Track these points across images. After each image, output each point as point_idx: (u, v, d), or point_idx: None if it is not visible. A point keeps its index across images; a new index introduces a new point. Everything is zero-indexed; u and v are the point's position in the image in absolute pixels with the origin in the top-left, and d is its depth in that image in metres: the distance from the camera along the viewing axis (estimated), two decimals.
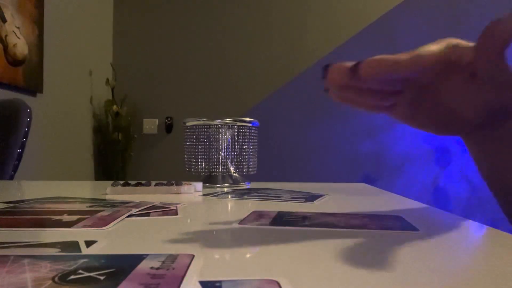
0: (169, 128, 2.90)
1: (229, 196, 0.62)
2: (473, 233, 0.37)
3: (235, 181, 0.79)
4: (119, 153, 2.72)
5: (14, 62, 1.89)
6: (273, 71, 2.82)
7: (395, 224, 0.38)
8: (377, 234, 0.34)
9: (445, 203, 2.70)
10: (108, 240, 0.30)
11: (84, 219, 0.37)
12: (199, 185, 0.67)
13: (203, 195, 0.63)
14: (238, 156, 0.80)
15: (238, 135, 0.80)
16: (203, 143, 0.79)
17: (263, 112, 2.76)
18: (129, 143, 2.77)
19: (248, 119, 0.81)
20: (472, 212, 2.59)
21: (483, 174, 0.45)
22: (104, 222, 0.36)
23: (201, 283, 0.20)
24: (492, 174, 0.45)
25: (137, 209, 0.43)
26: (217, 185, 0.77)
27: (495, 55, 0.33)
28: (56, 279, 0.20)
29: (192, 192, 0.65)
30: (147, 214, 0.42)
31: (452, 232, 0.38)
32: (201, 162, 0.79)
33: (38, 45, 2.06)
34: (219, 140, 0.79)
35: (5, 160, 1.29)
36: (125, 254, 0.26)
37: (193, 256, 0.24)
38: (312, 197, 0.59)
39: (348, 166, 2.75)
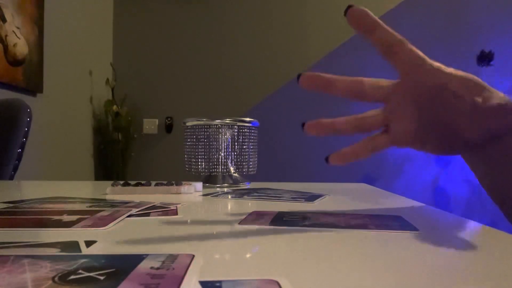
0: (169, 128, 2.90)
1: (229, 196, 0.62)
2: (473, 233, 0.37)
3: (235, 181, 0.79)
4: (119, 153, 2.72)
5: (14, 62, 1.89)
6: (273, 71, 2.82)
7: (395, 224, 0.38)
8: (377, 234, 0.34)
9: (445, 203, 2.69)
10: (108, 240, 0.30)
11: (84, 219, 0.37)
12: (199, 185, 0.67)
13: (203, 195, 0.63)
14: (238, 156, 0.80)
15: (238, 135, 0.80)
16: (203, 143, 0.79)
17: (263, 112, 2.76)
18: (129, 143, 2.77)
19: (248, 119, 0.81)
20: (472, 212, 2.59)
21: (486, 188, 0.47)
22: (104, 222, 0.36)
23: (201, 283, 0.20)
24: (494, 188, 0.46)
25: (137, 209, 0.43)
26: (217, 185, 0.77)
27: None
28: (56, 279, 0.20)
29: (192, 192, 0.65)
30: (147, 214, 0.42)
31: (452, 232, 0.38)
32: (201, 162, 0.79)
33: (38, 45, 2.06)
34: (219, 140, 0.79)
35: (5, 160, 1.29)
36: (125, 254, 0.26)
37: (193, 256, 0.24)
38: (312, 197, 0.59)
39: (348, 166, 2.75)
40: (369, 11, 0.39)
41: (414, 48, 0.40)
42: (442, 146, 0.43)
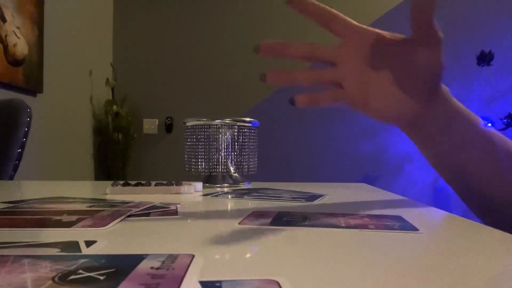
0: (169, 128, 2.90)
1: (229, 196, 0.62)
2: (473, 233, 0.37)
3: (235, 181, 0.79)
4: (119, 153, 2.72)
5: (14, 62, 1.89)
6: None
7: (395, 224, 0.38)
8: (377, 234, 0.34)
9: (445, 203, 2.69)
10: (108, 240, 0.30)
11: (84, 219, 0.37)
12: (199, 185, 0.67)
13: (203, 195, 0.63)
14: (238, 156, 0.80)
15: (238, 135, 0.80)
16: (203, 143, 0.79)
17: (263, 112, 2.76)
18: (129, 143, 2.77)
19: (248, 119, 0.81)
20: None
21: (433, 164, 0.52)
22: (104, 222, 0.36)
23: (201, 283, 0.20)
24: (439, 161, 0.52)
25: (137, 209, 0.43)
26: (217, 185, 0.77)
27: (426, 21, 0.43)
28: (56, 279, 0.20)
29: (192, 192, 0.65)
30: (147, 214, 0.42)
31: (452, 232, 0.38)
32: (201, 162, 0.79)
33: (38, 45, 2.06)
34: (219, 140, 0.79)
35: (5, 160, 1.29)
36: (125, 254, 0.26)
37: (193, 256, 0.24)
38: (312, 197, 0.59)
39: (348, 166, 2.75)
40: None
41: (346, 17, 0.49)
42: (386, 110, 0.48)
